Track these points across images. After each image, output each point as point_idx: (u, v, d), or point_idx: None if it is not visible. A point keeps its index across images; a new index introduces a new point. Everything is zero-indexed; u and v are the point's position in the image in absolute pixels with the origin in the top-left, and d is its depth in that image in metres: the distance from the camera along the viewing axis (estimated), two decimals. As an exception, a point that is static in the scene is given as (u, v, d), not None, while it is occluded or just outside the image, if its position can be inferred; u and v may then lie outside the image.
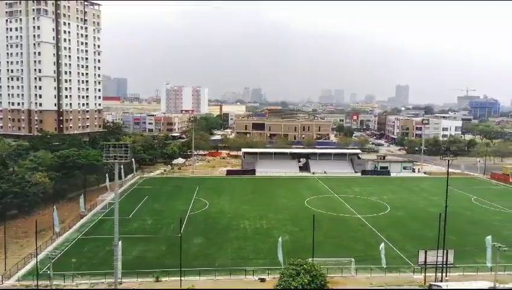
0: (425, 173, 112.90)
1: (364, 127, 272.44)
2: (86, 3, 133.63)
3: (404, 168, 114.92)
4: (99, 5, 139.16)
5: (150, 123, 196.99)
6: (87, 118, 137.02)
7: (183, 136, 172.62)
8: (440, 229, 43.35)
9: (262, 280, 42.99)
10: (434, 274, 43.24)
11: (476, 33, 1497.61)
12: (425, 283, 41.60)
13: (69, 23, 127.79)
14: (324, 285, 34.66)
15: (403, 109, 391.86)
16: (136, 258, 48.97)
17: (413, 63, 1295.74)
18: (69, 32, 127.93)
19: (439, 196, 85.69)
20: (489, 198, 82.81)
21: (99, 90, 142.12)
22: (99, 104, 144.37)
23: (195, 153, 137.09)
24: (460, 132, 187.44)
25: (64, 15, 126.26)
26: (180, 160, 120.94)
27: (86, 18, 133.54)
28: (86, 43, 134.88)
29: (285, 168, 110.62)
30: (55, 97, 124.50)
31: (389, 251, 51.91)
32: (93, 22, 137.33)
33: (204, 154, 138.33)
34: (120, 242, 42.46)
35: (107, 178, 78.20)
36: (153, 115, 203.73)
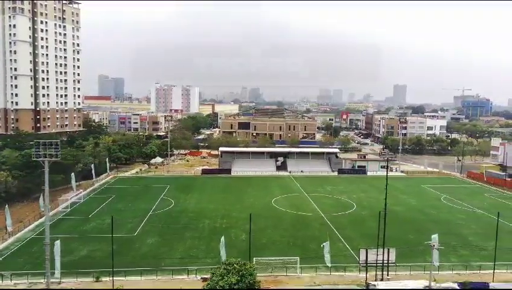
0: (402, 171, 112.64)
1: (354, 126, 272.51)
2: (64, 1, 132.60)
3: (382, 167, 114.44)
4: (78, 3, 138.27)
5: (135, 122, 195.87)
6: (66, 117, 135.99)
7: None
8: (380, 228, 42.85)
9: (205, 280, 42.27)
10: (380, 273, 42.90)
11: (476, 33, 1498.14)
12: (366, 282, 41.15)
13: (46, 22, 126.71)
14: (253, 284, 34.15)
15: (397, 108, 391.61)
16: (83, 258, 48.55)
17: (413, 63, 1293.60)
18: (46, 30, 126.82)
19: (409, 194, 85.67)
20: (460, 197, 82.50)
21: (78, 89, 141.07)
22: (79, 103, 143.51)
23: (176, 152, 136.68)
24: (445, 131, 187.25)
25: (41, 13, 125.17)
26: (159, 159, 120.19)
27: (64, 17, 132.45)
28: (65, 42, 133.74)
29: (262, 167, 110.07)
30: (31, 96, 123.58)
31: (342, 250, 51.66)
32: (72, 21, 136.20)
33: (185, 154, 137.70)
34: (58, 242, 41.98)
35: (73, 178, 77.53)
36: (139, 115, 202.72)
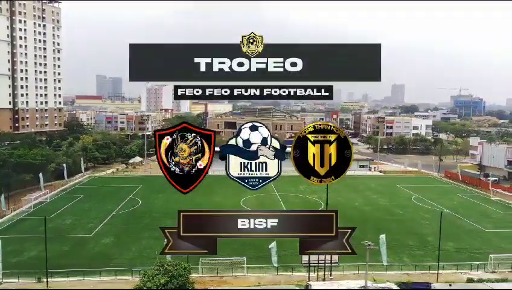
0: (380, 171, 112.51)
1: (344, 126, 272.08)
2: (43, 1, 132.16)
3: (361, 166, 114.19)
4: (59, 2, 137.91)
5: (121, 122, 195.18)
6: (46, 117, 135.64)
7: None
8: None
9: (148, 280, 42.05)
10: (322, 273, 42.74)
11: (476, 33, 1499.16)
12: (306, 283, 40.98)
13: (25, 21, 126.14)
14: (184, 285, 33.87)
15: (394, 107, 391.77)
16: (33, 258, 48.18)
17: (413, 63, 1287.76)
18: (25, 30, 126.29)
19: (381, 194, 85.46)
20: (431, 196, 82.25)
21: (59, 88, 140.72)
22: (60, 103, 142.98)
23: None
24: (430, 131, 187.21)
25: (20, 13, 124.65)
26: (137, 159, 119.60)
27: (44, 16, 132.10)
28: (45, 41, 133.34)
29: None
30: (9, 95, 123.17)
31: (296, 249, 51.21)
32: (52, 20, 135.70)
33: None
34: (-1, 242, 41.63)
35: (41, 178, 77.02)
36: (125, 114, 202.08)
